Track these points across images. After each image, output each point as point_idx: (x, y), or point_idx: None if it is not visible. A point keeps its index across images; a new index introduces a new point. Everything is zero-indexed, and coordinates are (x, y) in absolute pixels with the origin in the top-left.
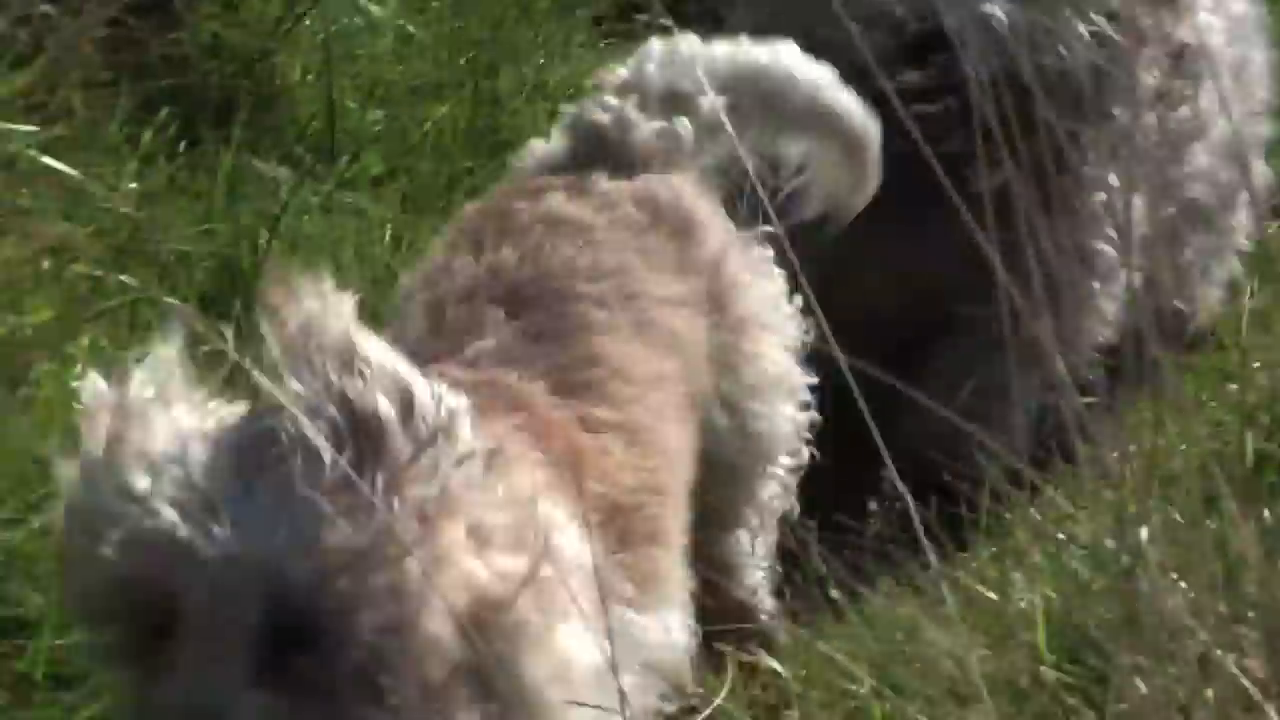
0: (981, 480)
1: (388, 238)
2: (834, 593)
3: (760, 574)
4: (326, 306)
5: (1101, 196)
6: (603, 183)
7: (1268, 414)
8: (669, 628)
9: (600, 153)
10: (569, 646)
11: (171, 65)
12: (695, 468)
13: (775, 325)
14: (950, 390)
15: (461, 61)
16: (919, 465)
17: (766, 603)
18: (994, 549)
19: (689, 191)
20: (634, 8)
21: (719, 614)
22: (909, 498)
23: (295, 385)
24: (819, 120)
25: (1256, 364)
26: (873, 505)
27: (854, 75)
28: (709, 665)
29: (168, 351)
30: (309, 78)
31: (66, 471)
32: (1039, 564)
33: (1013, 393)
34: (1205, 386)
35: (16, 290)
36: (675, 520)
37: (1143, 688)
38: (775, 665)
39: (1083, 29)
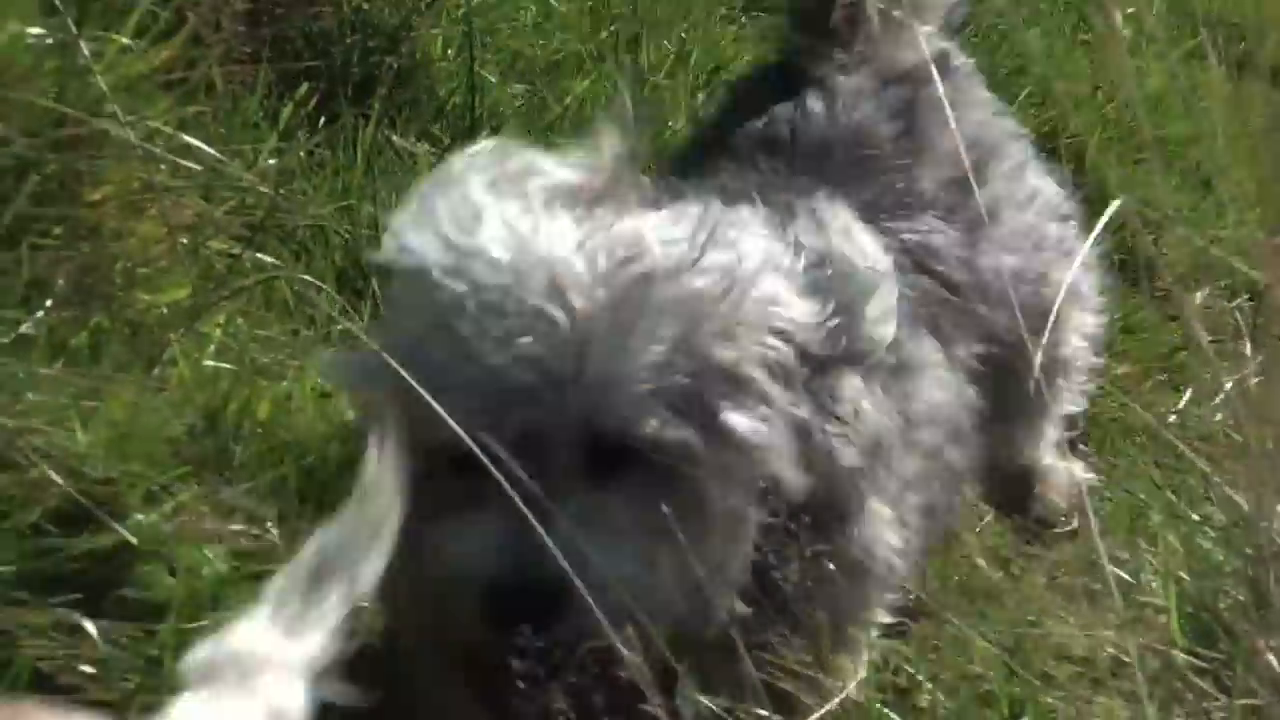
0: None
1: None
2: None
3: None
4: None
5: None
6: None
7: None
8: None
9: None
10: None
11: (311, 41)
12: None
13: None
14: None
15: (603, 35)
16: None
17: None
18: (1126, 530)
19: None
20: None
21: None
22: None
23: None
24: None
25: None
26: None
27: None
28: (840, 649)
29: None
30: (449, 52)
31: None
32: (1172, 545)
33: None
34: None
35: (153, 268)
36: None
37: (1277, 668)
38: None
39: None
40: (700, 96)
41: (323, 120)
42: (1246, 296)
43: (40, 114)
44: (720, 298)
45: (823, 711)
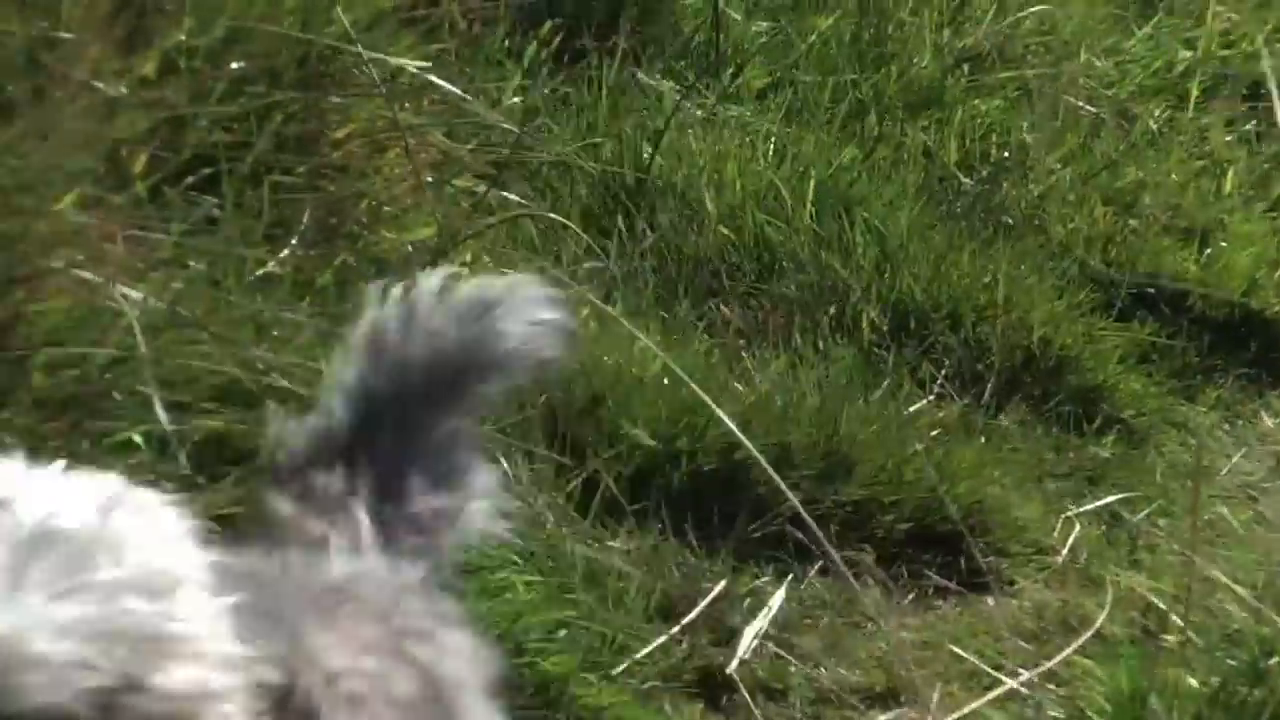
0: None
1: (771, 152)
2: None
3: None
4: None
5: None
6: None
7: None
8: None
9: None
10: None
11: None
12: None
13: None
14: None
15: None
16: None
17: None
18: None
19: None
20: None
21: None
22: None
23: None
24: None
25: None
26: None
27: None
28: (1086, 590)
29: None
30: None
31: None
32: None
33: None
34: None
35: (397, 207)
36: None
37: None
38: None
39: None
40: (945, 34)
41: (567, 58)
42: None
43: (283, 53)
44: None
45: (1073, 648)
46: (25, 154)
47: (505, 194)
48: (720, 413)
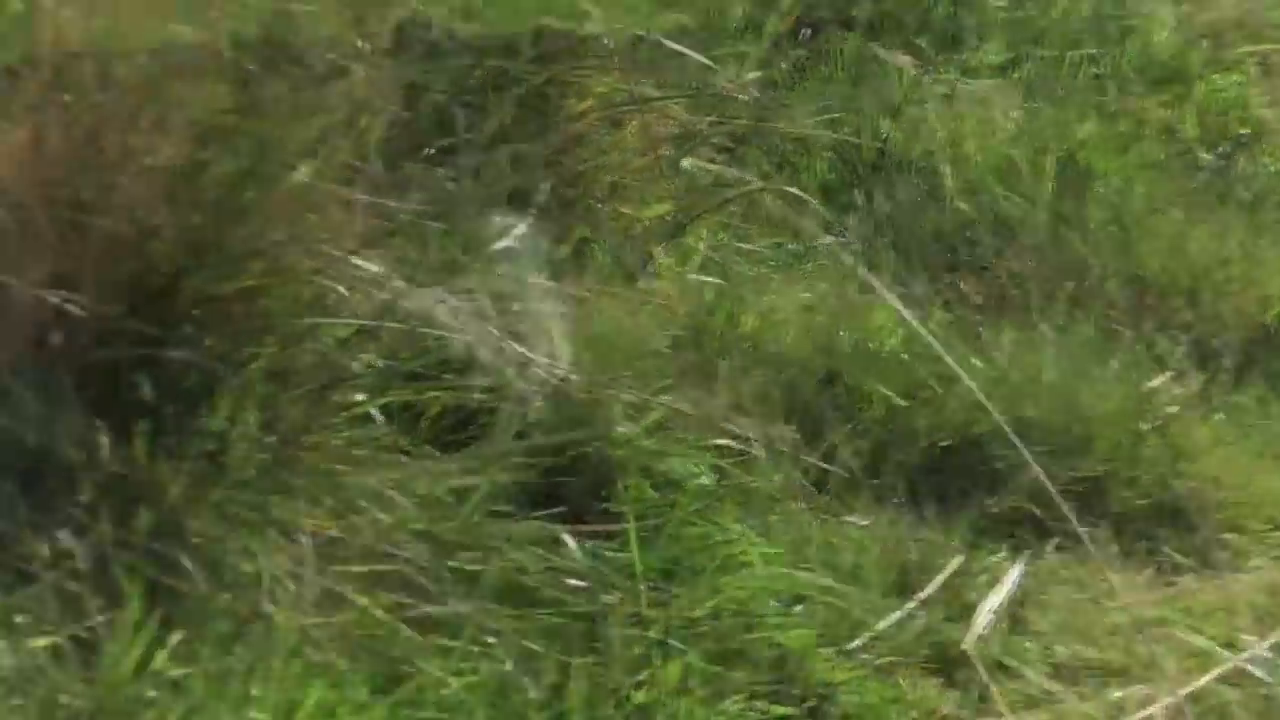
0: None
1: (1009, 126)
2: None
3: None
4: None
5: None
6: None
7: None
8: None
9: None
10: None
11: None
12: None
13: None
14: None
15: None
16: None
17: None
18: None
19: None
20: None
21: None
22: None
23: None
24: None
25: None
26: None
27: None
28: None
29: None
30: None
31: None
32: None
33: None
34: None
35: (636, 179)
36: None
37: None
38: None
39: None
40: (1186, 8)
41: (806, 32)
42: None
43: (523, 23)
44: None
45: None
46: (262, 127)
47: (739, 173)
48: (969, 381)
